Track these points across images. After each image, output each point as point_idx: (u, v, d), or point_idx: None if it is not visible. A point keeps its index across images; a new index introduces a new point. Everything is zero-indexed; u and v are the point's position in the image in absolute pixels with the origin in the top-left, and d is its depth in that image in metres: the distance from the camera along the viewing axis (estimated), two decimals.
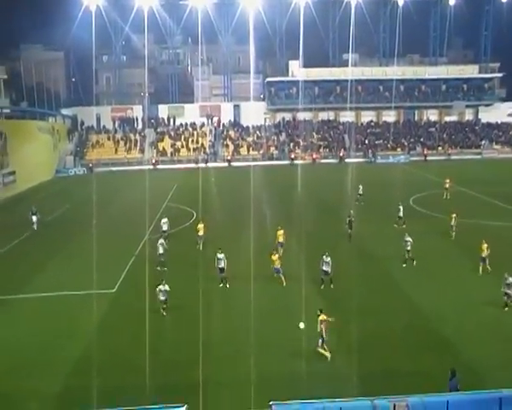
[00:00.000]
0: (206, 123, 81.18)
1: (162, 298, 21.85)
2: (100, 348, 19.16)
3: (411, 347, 18.81)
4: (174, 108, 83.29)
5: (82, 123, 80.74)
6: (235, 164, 71.71)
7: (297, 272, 25.37)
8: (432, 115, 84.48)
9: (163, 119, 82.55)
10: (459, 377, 14.29)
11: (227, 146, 77.15)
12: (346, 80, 75.54)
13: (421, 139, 79.46)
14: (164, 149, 76.03)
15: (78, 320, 21.86)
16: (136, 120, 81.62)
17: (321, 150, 76.68)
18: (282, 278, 24.91)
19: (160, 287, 21.87)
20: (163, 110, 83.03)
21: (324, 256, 24.42)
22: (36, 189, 57.69)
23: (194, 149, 75.80)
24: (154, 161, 72.01)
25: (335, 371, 17.25)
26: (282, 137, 79.96)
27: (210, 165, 71.23)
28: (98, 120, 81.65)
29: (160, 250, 27.50)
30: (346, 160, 72.53)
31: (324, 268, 24.38)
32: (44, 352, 19.22)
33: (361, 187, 43.76)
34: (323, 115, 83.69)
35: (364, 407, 12.76)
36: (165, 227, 32.53)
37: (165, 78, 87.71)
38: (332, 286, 24.22)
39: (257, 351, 18.47)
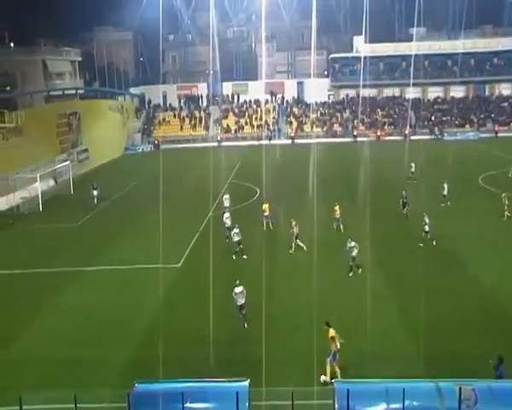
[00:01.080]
0: (269, 100, 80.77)
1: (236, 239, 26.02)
2: (166, 320, 19.66)
3: (480, 329, 18.08)
4: (238, 85, 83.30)
5: (149, 101, 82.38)
6: (298, 141, 71.06)
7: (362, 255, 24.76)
8: (505, 90, 79.92)
9: (227, 96, 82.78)
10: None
11: (290, 123, 76.57)
12: (412, 55, 72.74)
13: (492, 115, 75.52)
14: (228, 126, 76.43)
15: (146, 293, 22.53)
16: (201, 97, 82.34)
17: (385, 127, 74.64)
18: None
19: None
20: (227, 88, 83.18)
21: (348, 242, 23.46)
22: (107, 166, 59.70)
23: (258, 126, 75.70)
24: (218, 138, 72.59)
25: (401, 352, 16.89)
26: (346, 113, 78.39)
27: (273, 142, 70.91)
28: (164, 98, 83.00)
29: (228, 223, 28.57)
30: (412, 137, 70.18)
31: (353, 254, 23.19)
32: (114, 322, 19.97)
33: (413, 165, 42.34)
34: (388, 92, 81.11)
35: (429, 389, 12.40)
36: (226, 203, 33.13)
37: (229, 55, 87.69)
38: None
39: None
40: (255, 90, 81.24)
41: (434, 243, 26.47)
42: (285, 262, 25.56)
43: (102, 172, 55.12)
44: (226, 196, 33.79)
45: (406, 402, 11.51)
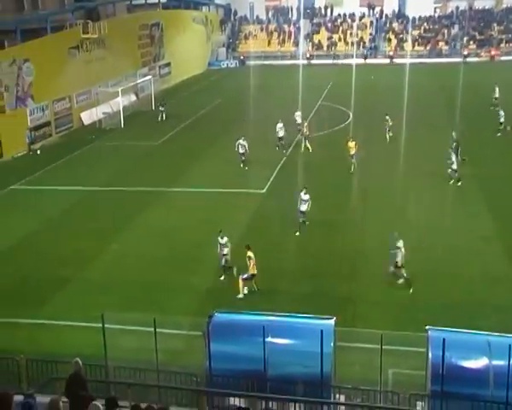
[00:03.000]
0: (366, 14, 76.81)
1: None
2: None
3: None
4: None
5: (235, 13, 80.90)
6: (397, 61, 67.43)
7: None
8: None
9: (320, 8, 79.60)
10: None
11: (389, 40, 72.62)
12: None
13: None
14: (320, 42, 73.87)
15: (229, 218, 22.63)
16: (291, 9, 79.75)
17: (502, 45, 68.84)
18: None
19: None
20: None
21: (302, 193, 20.98)
22: (190, 81, 60.01)
23: (353, 44, 72.59)
24: (308, 55, 70.50)
25: (502, 303, 16.05)
26: (455, 29, 73.07)
27: (369, 61, 67.94)
28: (251, 9, 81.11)
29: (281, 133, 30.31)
30: None
31: (302, 208, 20.91)
32: (196, 247, 20.33)
33: (497, 89, 39.06)
34: (509, 1, 74.23)
35: None
36: (281, 133, 31.21)
37: None
38: None
39: (417, 270, 17.84)
40: (351, 3, 77.37)
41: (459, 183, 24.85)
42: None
43: (185, 88, 55.50)
44: (280, 125, 31.30)
45: None
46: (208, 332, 11.71)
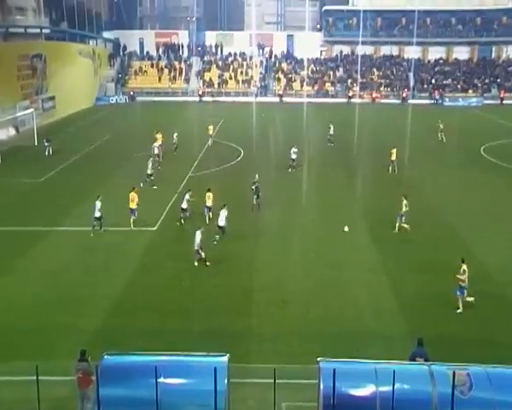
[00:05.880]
0: (256, 53, 79.69)
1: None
2: (139, 287, 19.62)
3: (479, 313, 18.23)
4: (222, 35, 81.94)
5: (124, 48, 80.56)
6: (286, 100, 70.50)
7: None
8: None
9: (210, 46, 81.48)
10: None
11: (279, 80, 75.72)
12: (413, 11, 72.02)
13: (498, 80, 75.51)
14: (211, 79, 75.34)
15: (118, 257, 22.31)
16: (182, 46, 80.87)
17: (382, 89, 74.35)
18: None
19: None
20: (210, 37, 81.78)
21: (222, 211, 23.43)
22: (75, 116, 58.54)
23: (244, 82, 74.82)
24: (200, 93, 71.59)
25: (389, 331, 17.04)
26: (339, 72, 77.77)
27: (260, 99, 70.28)
28: (141, 45, 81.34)
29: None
30: (410, 101, 70.09)
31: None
32: (82, 288, 19.70)
33: (332, 126, 42.58)
34: (386, 50, 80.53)
35: (421, 372, 12.50)
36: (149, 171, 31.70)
37: (213, 2, 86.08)
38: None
39: (306, 301, 18.51)
40: (241, 42, 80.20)
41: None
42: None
43: (71, 123, 54.05)
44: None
45: (396, 385, 11.58)
46: (97, 376, 11.38)
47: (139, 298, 18.91)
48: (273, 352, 15.72)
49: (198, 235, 21.03)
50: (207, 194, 26.08)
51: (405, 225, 24.58)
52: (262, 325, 17.30)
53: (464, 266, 17.86)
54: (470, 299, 18.08)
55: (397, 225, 24.66)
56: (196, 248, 21.05)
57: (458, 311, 17.96)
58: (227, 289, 19.63)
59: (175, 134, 40.28)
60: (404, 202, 24.47)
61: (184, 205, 25.70)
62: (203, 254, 21.08)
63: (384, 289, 19.63)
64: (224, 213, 23.31)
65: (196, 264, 21.13)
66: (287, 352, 15.80)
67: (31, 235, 24.67)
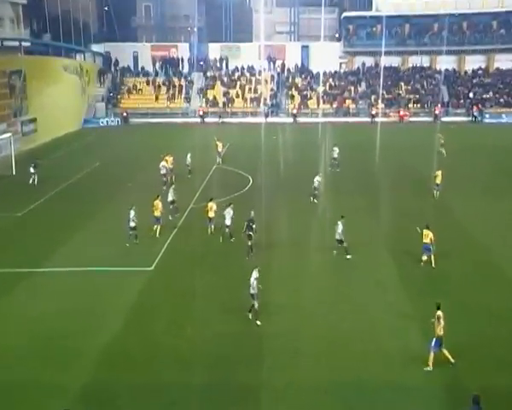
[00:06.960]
0: (266, 67, 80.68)
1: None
2: (133, 333, 19.69)
3: None
4: (228, 47, 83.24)
5: (116, 63, 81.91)
6: (301, 120, 71.05)
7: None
8: None
9: (214, 60, 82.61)
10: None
11: (292, 97, 76.53)
12: (447, 15, 72.81)
13: None
14: (215, 98, 76.23)
15: (109, 302, 22.36)
16: (182, 61, 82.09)
17: (410, 106, 74.88)
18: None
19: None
20: (214, 50, 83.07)
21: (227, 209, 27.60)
22: (61, 141, 59.38)
23: (252, 100, 75.62)
24: (201, 113, 72.41)
25: (422, 384, 16.92)
26: (362, 87, 78.52)
27: (271, 120, 70.89)
28: (136, 59, 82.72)
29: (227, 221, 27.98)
30: (443, 118, 70.48)
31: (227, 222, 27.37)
32: (69, 337, 19.72)
33: (336, 149, 43.85)
34: (415, 61, 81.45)
35: None
36: (170, 197, 32.17)
37: (217, 10, 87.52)
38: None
39: (324, 350, 18.46)
40: (249, 55, 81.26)
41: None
42: None
43: (55, 148, 54.74)
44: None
45: None
46: None
47: (133, 347, 18.92)
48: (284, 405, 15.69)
49: (254, 274, 20.40)
50: (209, 204, 28.64)
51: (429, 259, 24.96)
52: (273, 377, 17.25)
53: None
54: None
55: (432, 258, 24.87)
56: (252, 292, 20.27)
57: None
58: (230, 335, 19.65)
59: (188, 155, 41.82)
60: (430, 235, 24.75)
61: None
62: (256, 305, 20.35)
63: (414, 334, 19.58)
64: (229, 212, 27.26)
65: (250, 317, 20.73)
66: (302, 403, 15.84)
67: (7, 278, 24.80)
